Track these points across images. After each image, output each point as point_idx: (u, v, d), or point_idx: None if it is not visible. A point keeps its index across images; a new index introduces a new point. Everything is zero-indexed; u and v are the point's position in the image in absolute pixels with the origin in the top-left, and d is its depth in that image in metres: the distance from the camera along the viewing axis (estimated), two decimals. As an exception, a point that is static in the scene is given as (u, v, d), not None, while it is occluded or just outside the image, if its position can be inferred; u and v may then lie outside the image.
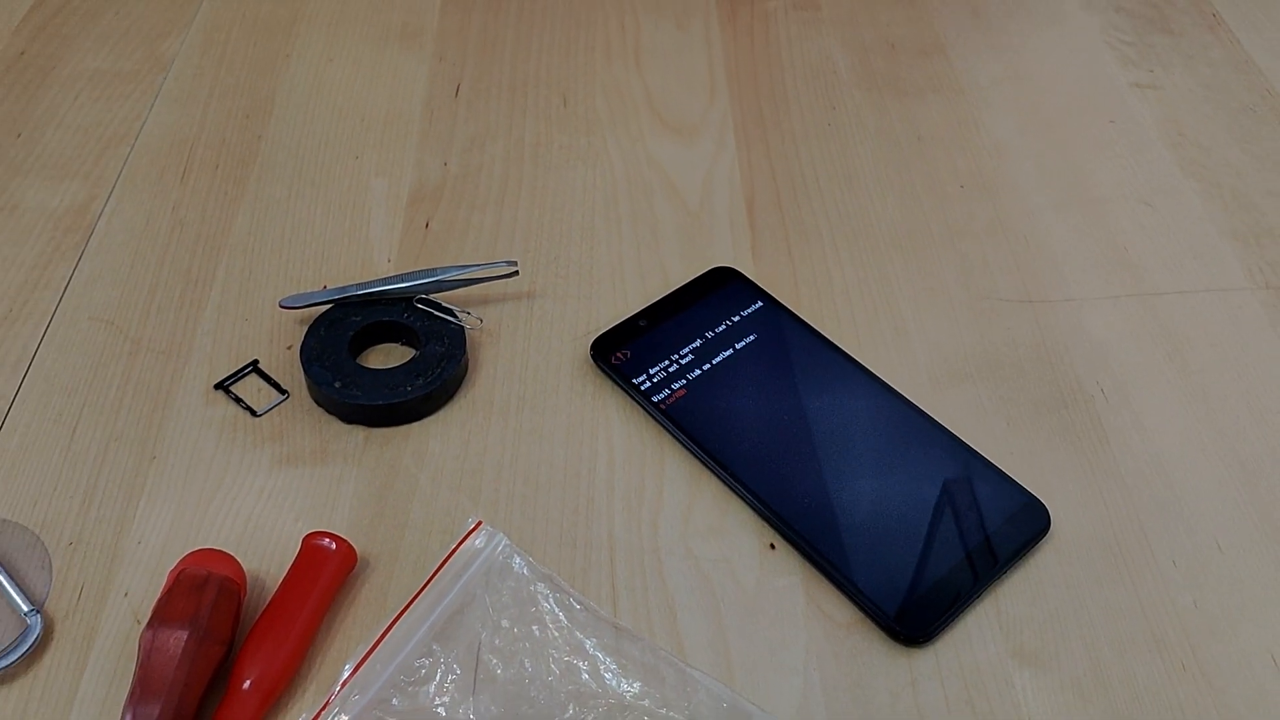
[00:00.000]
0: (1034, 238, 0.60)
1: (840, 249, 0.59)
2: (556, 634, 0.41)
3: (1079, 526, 0.46)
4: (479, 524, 0.44)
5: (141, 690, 0.38)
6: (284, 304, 0.54)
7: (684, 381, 0.51)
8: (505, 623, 0.42)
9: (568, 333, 0.54)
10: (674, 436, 0.49)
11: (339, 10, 0.75)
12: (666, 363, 0.52)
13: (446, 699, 0.40)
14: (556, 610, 0.42)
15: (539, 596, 0.43)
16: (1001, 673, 0.42)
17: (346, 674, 0.40)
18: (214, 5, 0.75)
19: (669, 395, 0.50)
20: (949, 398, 0.51)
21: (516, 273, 0.55)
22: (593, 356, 0.52)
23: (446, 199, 0.61)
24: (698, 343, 0.52)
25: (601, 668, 0.40)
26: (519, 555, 0.44)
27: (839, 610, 0.44)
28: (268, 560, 0.45)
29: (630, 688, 0.40)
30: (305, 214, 0.60)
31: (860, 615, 0.43)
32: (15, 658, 0.41)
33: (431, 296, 0.54)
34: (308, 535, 0.44)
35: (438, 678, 0.40)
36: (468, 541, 0.44)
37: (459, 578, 0.43)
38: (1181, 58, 0.73)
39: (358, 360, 0.52)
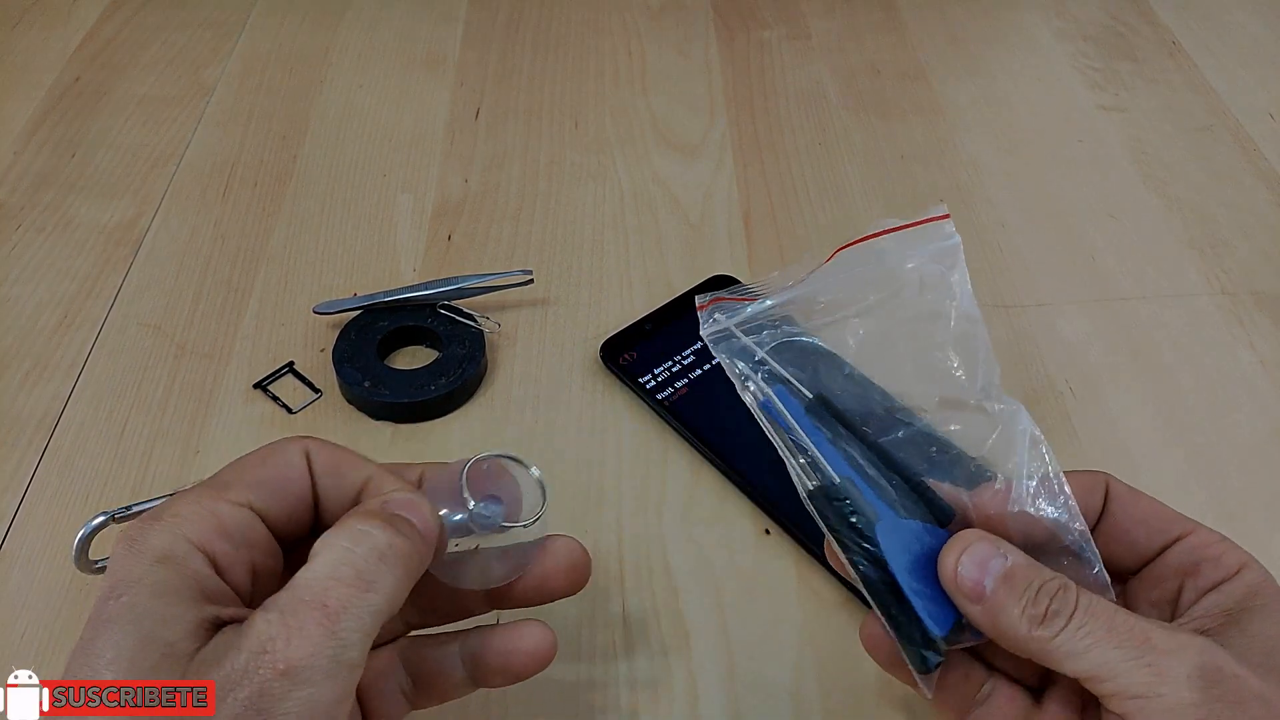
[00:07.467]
0: (1008, 247, 0.60)
1: (829, 258, 0.59)
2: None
3: (1051, 513, 0.46)
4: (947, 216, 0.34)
5: None
6: (317, 310, 0.54)
7: (686, 380, 0.51)
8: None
9: (579, 336, 0.54)
10: (677, 431, 0.49)
11: (368, 41, 0.75)
12: (670, 363, 0.52)
13: None
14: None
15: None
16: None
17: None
18: (253, 36, 0.76)
19: (672, 393, 0.50)
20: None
21: (531, 281, 0.55)
22: (602, 357, 0.52)
23: (467, 213, 0.61)
24: (698, 345, 0.52)
25: None
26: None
27: (828, 590, 0.44)
28: (303, 545, 0.45)
29: None
30: (337, 227, 0.61)
31: (848, 595, 0.43)
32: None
33: (453, 303, 0.54)
34: None
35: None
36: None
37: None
38: (1144, 82, 0.72)
39: (385, 362, 0.52)
